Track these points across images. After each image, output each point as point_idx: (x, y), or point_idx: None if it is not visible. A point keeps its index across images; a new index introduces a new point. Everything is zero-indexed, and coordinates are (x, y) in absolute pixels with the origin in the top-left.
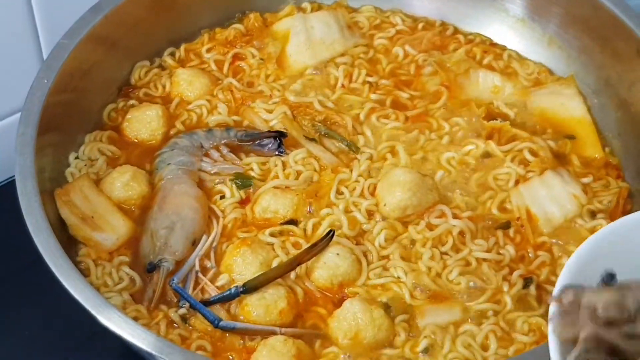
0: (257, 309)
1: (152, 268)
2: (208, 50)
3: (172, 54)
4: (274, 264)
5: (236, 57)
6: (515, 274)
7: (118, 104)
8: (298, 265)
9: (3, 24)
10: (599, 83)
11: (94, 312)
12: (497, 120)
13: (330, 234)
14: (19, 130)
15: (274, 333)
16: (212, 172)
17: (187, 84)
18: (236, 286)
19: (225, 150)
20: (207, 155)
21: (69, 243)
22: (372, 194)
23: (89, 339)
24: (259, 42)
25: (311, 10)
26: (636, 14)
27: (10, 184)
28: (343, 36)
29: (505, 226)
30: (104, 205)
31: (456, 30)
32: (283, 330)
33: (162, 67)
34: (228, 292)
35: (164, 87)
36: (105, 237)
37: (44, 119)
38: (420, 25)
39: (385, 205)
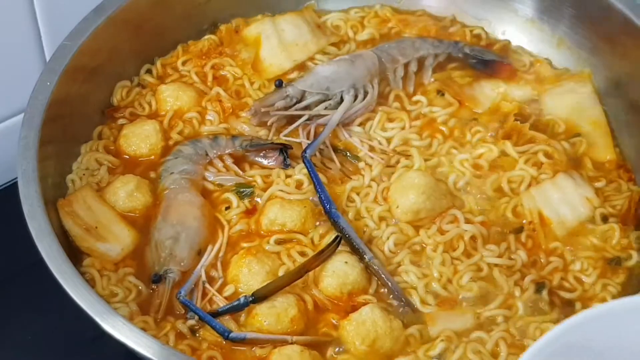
0: (268, 317)
1: (157, 279)
2: (184, 63)
3: (149, 71)
4: (281, 272)
5: (214, 67)
6: (527, 279)
7: (109, 124)
8: (306, 272)
9: (5, 25)
10: (609, 84)
11: (98, 319)
12: (517, 120)
13: (337, 240)
14: (21, 133)
15: (285, 341)
16: (215, 182)
17: (174, 99)
18: (245, 296)
19: (229, 161)
20: (211, 164)
21: (73, 254)
22: (385, 199)
23: (91, 343)
24: (231, 50)
25: None
26: None
27: (13, 186)
28: (315, 36)
29: (518, 231)
30: (108, 215)
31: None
32: (295, 338)
33: (141, 86)
34: (237, 302)
35: (149, 105)
36: (109, 248)
37: (47, 122)
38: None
39: (397, 207)
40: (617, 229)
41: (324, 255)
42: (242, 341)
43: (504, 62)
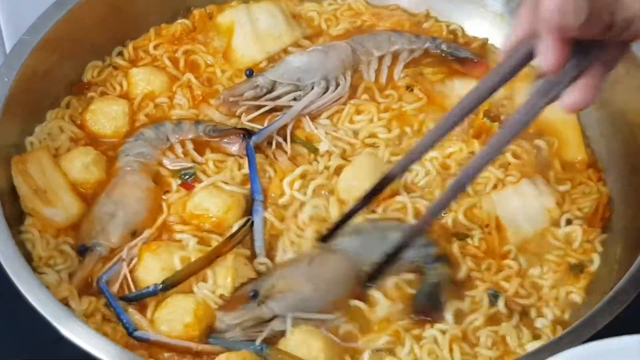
0: (166, 323)
1: (83, 250)
2: (155, 47)
3: (121, 53)
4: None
5: (187, 53)
6: (480, 288)
7: (78, 96)
8: (217, 257)
9: None
10: None
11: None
12: (486, 119)
13: (247, 222)
14: None
15: (189, 349)
16: (171, 168)
17: (145, 83)
18: (155, 284)
19: (190, 146)
20: (171, 149)
21: (16, 213)
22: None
23: (53, 344)
24: (203, 36)
25: None
26: None
27: None
28: (290, 26)
29: (463, 237)
30: (59, 181)
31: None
32: (200, 347)
33: (113, 67)
34: (146, 290)
35: (121, 85)
36: (55, 213)
37: (5, 118)
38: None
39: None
40: (579, 232)
41: (234, 240)
42: (146, 341)
43: (475, 60)
